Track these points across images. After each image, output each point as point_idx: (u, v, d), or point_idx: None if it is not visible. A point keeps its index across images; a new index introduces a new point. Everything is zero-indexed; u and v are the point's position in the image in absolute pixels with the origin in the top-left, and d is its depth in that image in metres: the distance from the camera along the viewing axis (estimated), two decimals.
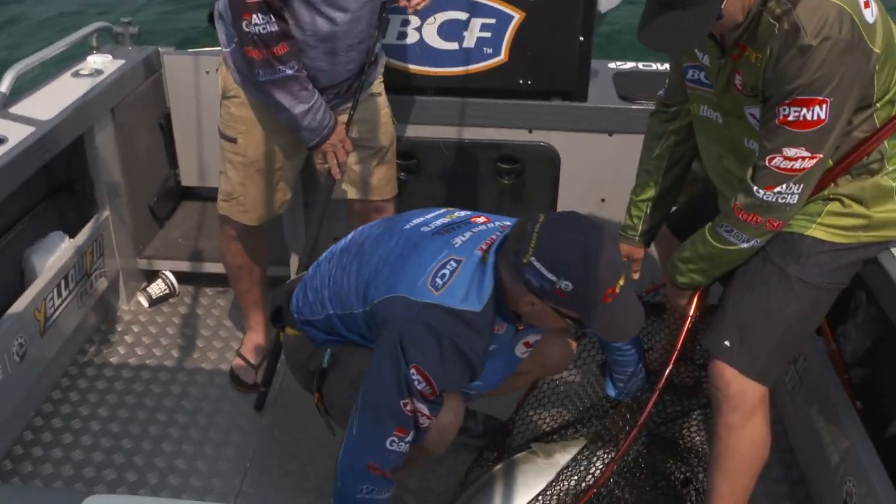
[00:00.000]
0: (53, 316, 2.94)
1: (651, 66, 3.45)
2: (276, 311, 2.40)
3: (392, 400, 1.95)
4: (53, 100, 3.00)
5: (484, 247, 2.03)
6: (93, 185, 3.23)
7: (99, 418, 2.93)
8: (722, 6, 1.85)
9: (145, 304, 3.52)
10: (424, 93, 3.14)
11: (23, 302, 2.77)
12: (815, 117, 1.88)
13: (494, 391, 2.36)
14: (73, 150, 3.04)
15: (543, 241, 1.87)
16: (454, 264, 1.99)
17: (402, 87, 3.09)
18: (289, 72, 2.48)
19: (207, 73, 3.34)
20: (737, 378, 2.12)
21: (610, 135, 3.14)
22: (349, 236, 2.28)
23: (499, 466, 2.52)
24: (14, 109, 2.92)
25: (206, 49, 3.46)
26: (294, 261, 3.35)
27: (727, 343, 2.13)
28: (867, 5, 1.88)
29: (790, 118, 1.90)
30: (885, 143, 2.03)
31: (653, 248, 2.61)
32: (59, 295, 2.97)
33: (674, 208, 2.54)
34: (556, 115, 3.14)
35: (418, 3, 2.61)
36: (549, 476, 2.42)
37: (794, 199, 1.99)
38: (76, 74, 3.22)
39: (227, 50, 2.62)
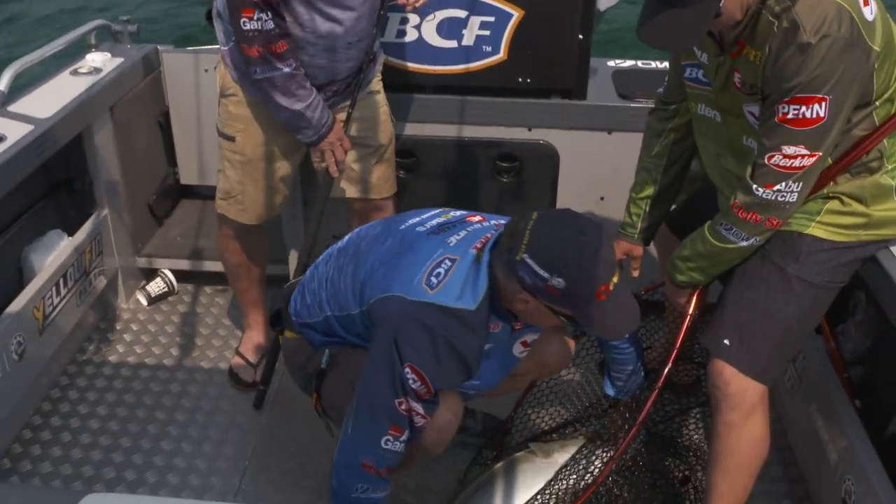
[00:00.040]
0: (52, 314, 2.94)
1: (650, 64, 3.45)
2: (274, 314, 2.40)
3: (387, 399, 1.95)
4: (52, 98, 3.00)
5: (479, 245, 2.03)
6: (91, 183, 3.22)
7: (98, 417, 2.93)
8: (720, 4, 1.85)
9: (144, 302, 3.51)
10: (423, 91, 3.14)
11: (21, 300, 2.77)
12: (815, 115, 1.87)
13: (493, 391, 2.36)
14: (71, 148, 3.04)
15: (536, 239, 1.87)
16: (449, 263, 1.99)
17: (401, 85, 3.08)
18: (286, 69, 2.48)
19: (206, 71, 3.34)
20: (736, 377, 2.12)
21: (609, 133, 3.14)
22: (346, 238, 2.29)
23: (497, 465, 2.52)
24: (13, 108, 2.92)
25: (205, 47, 3.46)
26: (293, 259, 3.35)
27: (726, 342, 2.13)
28: (866, 3, 1.87)
29: (789, 116, 1.90)
30: (885, 141, 2.03)
31: (652, 247, 2.60)
32: (58, 293, 2.97)
33: (673, 207, 2.54)
34: (556, 114, 3.13)
35: (416, 1, 2.61)
36: (548, 475, 2.42)
37: (793, 198, 1.98)
38: (75, 73, 3.21)
39: (226, 48, 2.62)
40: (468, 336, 1.96)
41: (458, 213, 2.21)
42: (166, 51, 3.50)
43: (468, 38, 3.03)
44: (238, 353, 3.13)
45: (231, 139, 2.73)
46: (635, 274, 2.55)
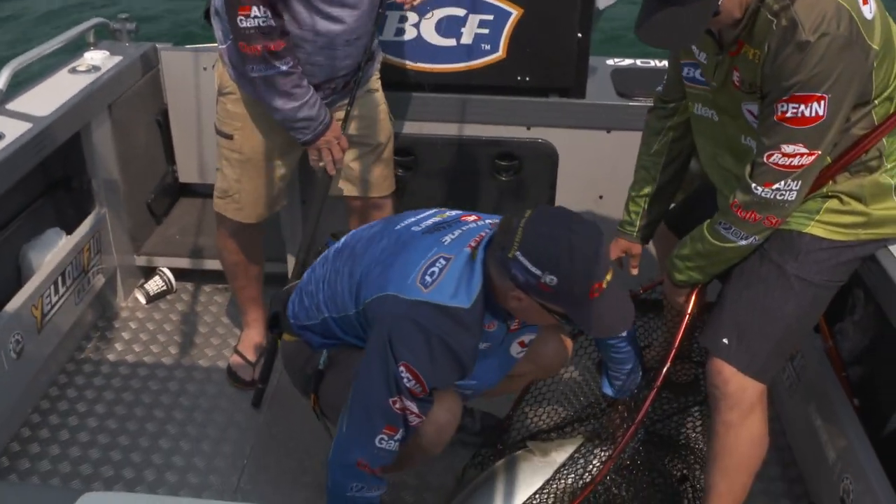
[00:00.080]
0: (50, 313, 2.94)
1: (649, 62, 3.45)
2: (272, 317, 2.40)
3: (381, 398, 1.95)
4: (50, 96, 2.99)
5: (473, 244, 2.03)
6: (90, 181, 3.22)
7: (96, 415, 2.93)
8: (719, 2, 1.84)
9: (143, 300, 3.51)
10: (422, 89, 3.13)
11: (20, 298, 2.77)
12: (814, 114, 1.87)
13: (491, 391, 2.36)
14: (70, 146, 3.03)
15: (528, 236, 1.87)
16: (443, 262, 1.99)
17: (400, 83, 3.08)
18: (283, 67, 2.47)
19: (205, 69, 3.34)
20: (735, 376, 2.11)
21: (608, 131, 3.14)
22: (342, 240, 2.29)
23: (496, 464, 2.52)
24: (11, 106, 2.91)
25: (204, 45, 3.46)
26: (291, 258, 3.34)
27: (725, 341, 2.12)
28: (865, 2, 1.87)
29: (788, 115, 1.89)
30: (884, 140, 2.03)
31: (650, 245, 2.60)
32: (57, 292, 2.97)
33: (672, 205, 2.54)
34: (554, 112, 3.13)
35: None
36: (546, 474, 2.41)
37: (792, 196, 1.98)
38: (73, 71, 3.21)
39: (224, 46, 2.61)
40: (463, 334, 1.95)
41: (454, 212, 2.21)
42: (165, 49, 3.50)
43: (467, 37, 3.03)
44: (237, 351, 3.13)
45: (229, 137, 2.73)
46: (634, 272, 2.55)
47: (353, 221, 3.00)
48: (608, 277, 1.88)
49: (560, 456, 2.48)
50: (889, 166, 2.05)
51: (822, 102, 1.86)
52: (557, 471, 2.42)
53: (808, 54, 1.82)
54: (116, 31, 3.51)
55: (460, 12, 2.99)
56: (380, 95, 2.87)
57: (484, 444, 2.66)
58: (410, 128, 3.17)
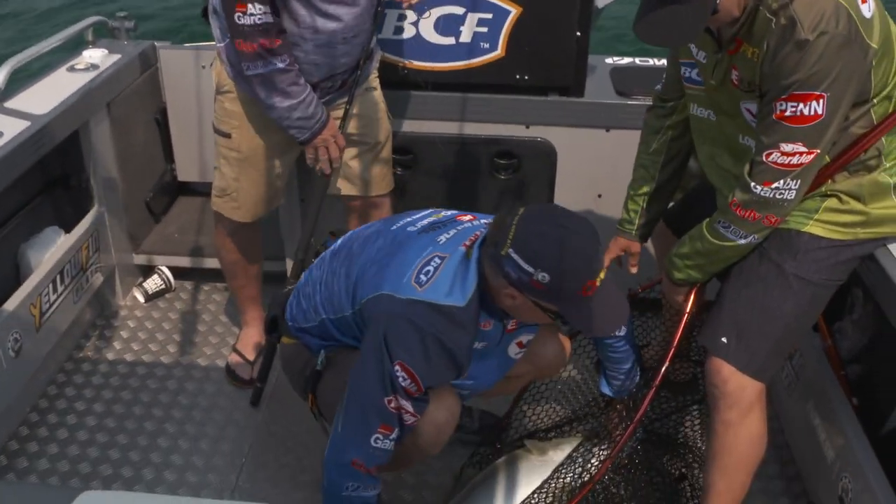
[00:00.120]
0: (49, 311, 2.93)
1: (648, 61, 3.44)
2: (271, 320, 2.40)
3: (376, 397, 1.94)
4: (49, 94, 2.99)
5: (468, 243, 2.03)
6: (88, 180, 3.22)
7: (95, 414, 2.93)
8: (718, 0, 1.84)
9: (141, 299, 3.51)
10: (421, 88, 3.13)
11: (18, 297, 2.76)
12: (813, 112, 1.87)
13: (489, 392, 2.36)
14: (68, 144, 3.03)
15: (521, 233, 1.86)
16: (438, 261, 1.99)
17: (399, 82, 3.08)
18: (280, 65, 2.47)
19: (203, 67, 3.34)
20: (734, 375, 2.11)
21: (607, 130, 3.14)
22: (339, 241, 2.29)
23: (493, 463, 2.52)
24: (9, 104, 2.91)
25: (202, 44, 3.46)
26: (290, 256, 3.34)
27: (724, 340, 2.12)
28: (864, 0, 1.87)
29: (787, 113, 1.89)
30: (883, 139, 2.03)
31: (649, 244, 2.60)
32: (55, 290, 2.96)
33: (671, 204, 2.54)
34: (553, 111, 3.13)
35: None
36: (544, 473, 2.41)
37: (791, 195, 1.98)
38: (72, 69, 3.21)
39: (222, 45, 2.61)
40: (458, 333, 1.95)
41: (449, 212, 2.21)
42: (163, 47, 3.49)
43: (466, 35, 3.03)
44: (235, 350, 3.13)
45: (227, 136, 2.73)
46: (633, 271, 2.55)
47: (351, 220, 3.00)
48: (602, 275, 1.88)
49: (558, 455, 2.48)
50: (888, 165, 2.05)
51: (821, 101, 1.86)
52: (556, 470, 2.42)
53: (807, 53, 1.82)
54: (115, 29, 3.51)
55: (459, 11, 2.99)
56: (378, 94, 2.87)
57: (482, 443, 2.66)
58: (409, 126, 3.17)
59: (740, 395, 2.12)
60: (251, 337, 3.12)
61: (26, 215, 3.06)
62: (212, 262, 3.40)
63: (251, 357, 3.09)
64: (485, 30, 3.01)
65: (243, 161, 2.75)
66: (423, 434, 2.08)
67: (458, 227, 2.10)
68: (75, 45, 3.37)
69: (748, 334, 2.11)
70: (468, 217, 2.18)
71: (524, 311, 1.98)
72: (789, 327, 2.13)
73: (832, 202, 2.07)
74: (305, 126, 2.58)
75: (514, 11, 2.98)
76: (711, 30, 2.01)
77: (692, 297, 2.27)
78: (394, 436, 1.98)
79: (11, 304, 2.73)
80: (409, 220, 2.18)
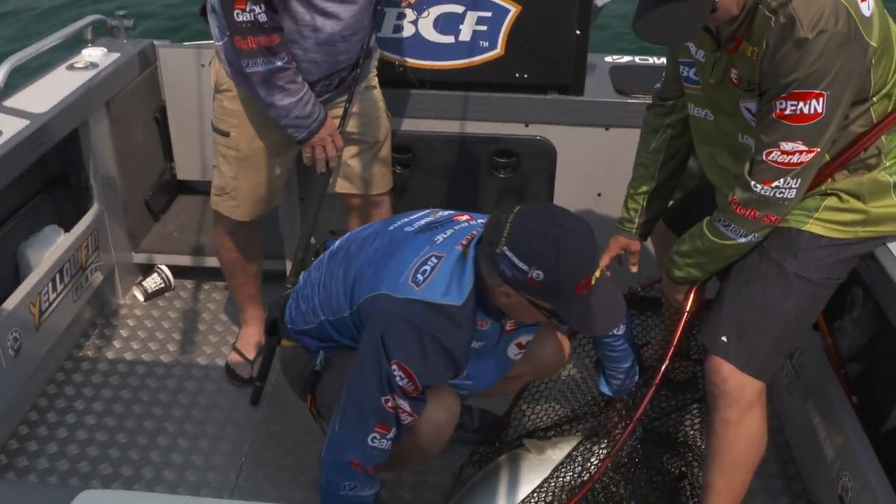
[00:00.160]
0: (48, 310, 2.93)
1: (648, 60, 3.44)
2: (271, 323, 2.40)
3: (373, 396, 1.94)
4: (48, 93, 2.99)
5: (465, 242, 2.03)
6: (88, 178, 3.21)
7: (94, 413, 2.93)
8: None
9: (141, 298, 3.51)
10: (420, 86, 3.13)
11: (17, 296, 2.76)
12: (812, 111, 1.87)
13: (489, 393, 2.36)
14: (68, 143, 3.03)
15: (516, 232, 1.87)
16: (435, 260, 1.99)
17: (398, 80, 3.08)
18: (278, 63, 2.46)
19: (203, 66, 3.33)
20: (734, 374, 2.11)
21: (606, 129, 3.13)
22: (337, 243, 2.29)
23: (493, 462, 2.52)
24: (8, 103, 2.91)
25: (202, 42, 3.46)
26: (290, 255, 3.34)
27: (724, 338, 2.12)
28: None
29: (787, 112, 1.89)
30: (883, 138, 2.03)
31: (649, 243, 2.60)
32: (54, 289, 2.96)
33: (670, 203, 2.54)
34: (553, 109, 3.13)
35: None
36: (543, 472, 2.41)
37: (791, 194, 1.98)
38: (71, 68, 3.20)
39: (220, 43, 2.61)
40: (455, 332, 1.95)
41: (446, 212, 2.21)
42: (163, 46, 3.49)
43: (465, 34, 3.03)
44: (235, 349, 3.12)
45: (226, 135, 2.73)
46: (633, 269, 2.55)
47: (351, 219, 3.00)
48: (597, 274, 1.88)
49: (558, 454, 2.48)
50: (888, 164, 2.05)
51: (821, 99, 1.85)
52: (556, 469, 2.42)
53: (807, 51, 1.82)
54: (114, 27, 3.51)
55: (459, 9, 2.99)
56: (377, 92, 2.87)
57: (482, 442, 2.66)
58: (408, 125, 3.16)
59: (740, 394, 2.12)
60: (251, 336, 3.12)
61: (26, 214, 3.06)
62: (211, 261, 3.40)
63: (251, 356, 3.09)
64: (484, 28, 3.01)
65: (242, 160, 2.74)
66: (422, 434, 2.08)
67: (455, 227, 2.10)
68: (75, 44, 3.37)
69: (748, 333, 2.11)
70: (465, 217, 2.18)
71: (519, 309, 1.98)
72: (789, 326, 2.13)
73: (832, 201, 2.07)
74: (303, 125, 2.58)
75: (513, 10, 2.98)
76: (710, 28, 2.01)
77: (692, 295, 2.27)
78: (391, 435, 1.98)
79: (11, 302, 2.73)
80: (406, 220, 2.18)
